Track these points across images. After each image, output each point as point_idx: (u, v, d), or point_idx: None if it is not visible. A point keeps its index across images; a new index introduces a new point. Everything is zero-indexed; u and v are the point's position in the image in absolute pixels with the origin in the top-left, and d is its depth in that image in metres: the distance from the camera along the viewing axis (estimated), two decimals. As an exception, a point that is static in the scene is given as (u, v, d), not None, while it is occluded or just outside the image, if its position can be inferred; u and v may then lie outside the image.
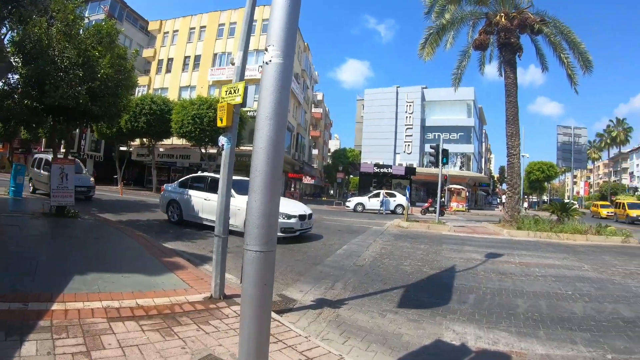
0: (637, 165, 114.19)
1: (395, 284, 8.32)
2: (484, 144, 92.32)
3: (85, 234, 11.37)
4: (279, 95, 2.85)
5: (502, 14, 23.66)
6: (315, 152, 79.00)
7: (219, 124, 6.27)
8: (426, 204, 36.86)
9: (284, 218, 12.71)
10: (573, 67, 23.76)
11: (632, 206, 39.08)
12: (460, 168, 60.19)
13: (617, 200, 45.81)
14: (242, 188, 13.22)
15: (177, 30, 53.41)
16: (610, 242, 18.81)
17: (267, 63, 2.87)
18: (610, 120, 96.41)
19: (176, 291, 6.27)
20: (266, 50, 2.88)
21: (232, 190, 12.95)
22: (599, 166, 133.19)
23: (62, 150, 20.01)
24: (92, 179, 24.81)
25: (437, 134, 55.12)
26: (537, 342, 5.60)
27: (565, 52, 23.80)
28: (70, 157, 15.30)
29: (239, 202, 12.45)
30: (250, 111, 38.00)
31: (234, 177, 12.85)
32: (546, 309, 7.23)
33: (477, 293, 8.04)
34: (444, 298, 7.52)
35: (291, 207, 13.61)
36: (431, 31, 24.31)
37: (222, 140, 6.24)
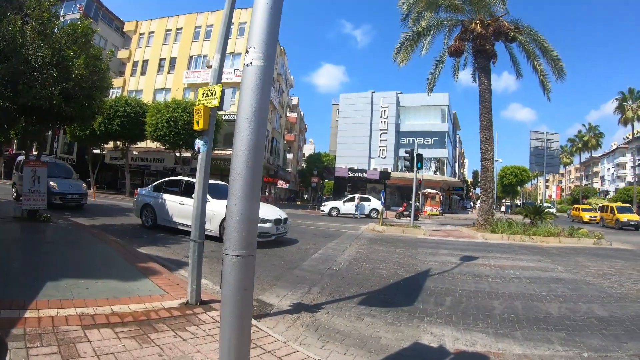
0: (608, 169, 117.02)
1: (372, 288, 8.33)
2: (457, 148, 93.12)
3: (58, 239, 11.11)
4: (259, 98, 2.82)
5: (477, 22, 23.92)
6: (290, 156, 78.88)
7: (195, 127, 6.19)
8: (401, 208, 37.07)
9: (259, 222, 12.56)
10: (546, 75, 24.30)
11: (622, 210, 38.79)
12: (435, 172, 60.62)
13: (604, 204, 45.46)
14: (217, 192, 13.16)
15: (152, 32, 52.89)
16: (582, 244, 19.16)
17: (248, 65, 2.83)
18: (583, 125, 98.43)
19: (152, 297, 6.17)
20: (247, 52, 2.84)
21: (207, 195, 12.90)
22: (570, 170, 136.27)
23: (34, 152, 19.51)
24: (84, 185, 22.98)
25: (411, 138, 55.24)
26: (514, 342, 5.68)
27: (539, 59, 24.31)
28: (55, 160, 14.96)
29: (214, 206, 12.35)
30: (225, 115, 37.81)
31: (209, 181, 12.76)
32: (522, 309, 7.33)
33: (454, 295, 8.09)
34: (421, 301, 7.55)
35: (266, 211, 13.52)
36: (407, 37, 24.45)
37: (199, 143, 6.17)
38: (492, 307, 7.37)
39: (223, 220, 12.29)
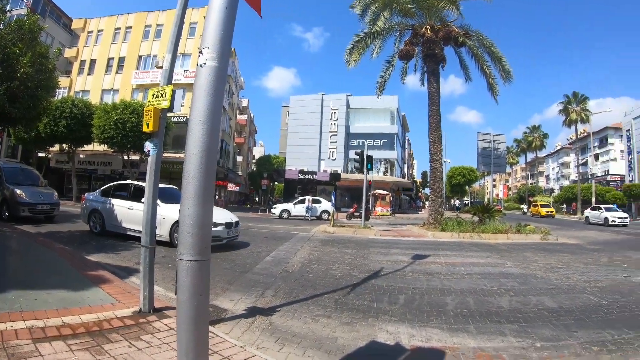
0: (552, 168, 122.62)
1: (325, 289, 8.31)
2: (406, 150, 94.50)
3: (3, 248, 10.72)
4: (213, 100, 2.77)
5: (427, 26, 24.43)
6: (239, 158, 78.16)
7: (144, 128, 6.03)
8: (351, 209, 37.27)
9: None
10: (494, 78, 25.24)
11: (544, 206, 41.19)
12: (384, 173, 61.21)
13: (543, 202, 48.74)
14: (167, 196, 12.93)
15: (101, 30, 51.17)
16: (530, 240, 19.77)
17: (201, 66, 2.79)
18: (527, 127, 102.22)
19: (103, 306, 5.97)
20: (201, 53, 2.80)
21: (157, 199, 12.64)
22: (517, 170, 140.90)
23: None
24: (55, 193, 19.89)
25: (361, 140, 55.73)
26: (469, 336, 5.79)
27: (487, 63, 25.29)
28: (19, 165, 14.23)
29: (164, 210, 12.10)
30: (174, 117, 37.20)
31: (159, 185, 12.48)
32: (474, 304, 7.49)
33: (407, 293, 8.18)
34: (375, 300, 7.59)
35: (218, 214, 13.24)
36: (358, 38, 24.74)
37: (148, 145, 6.00)
38: (445, 303, 7.49)
39: (173, 225, 12.11)
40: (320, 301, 7.41)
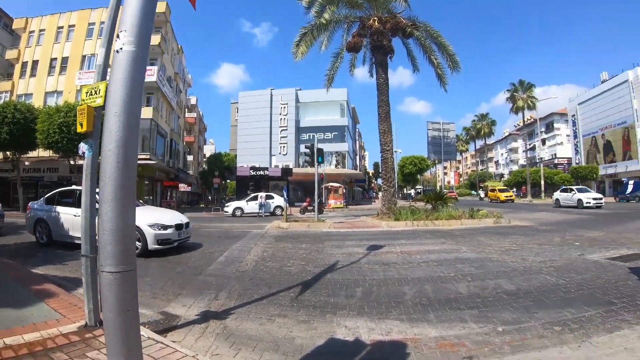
0: (502, 154, 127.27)
1: (280, 287, 8.09)
2: (357, 142, 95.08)
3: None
4: (130, 89, 2.50)
5: (375, 18, 24.39)
6: (190, 158, 77.12)
7: (78, 129, 5.64)
8: (305, 203, 37.09)
9: (159, 229, 11.96)
10: (442, 68, 25.54)
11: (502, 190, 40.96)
12: (336, 166, 61.41)
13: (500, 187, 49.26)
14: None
15: (43, 30, 48.59)
16: (483, 224, 20.09)
17: (117, 52, 2.51)
18: (476, 116, 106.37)
19: (48, 323, 5.58)
20: (117, 37, 2.52)
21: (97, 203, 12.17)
22: (467, 157, 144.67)
23: None
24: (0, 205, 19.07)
25: (311, 134, 55.77)
26: (429, 325, 5.70)
27: (435, 53, 25.50)
28: None
29: (109, 215, 11.69)
30: (116, 115, 36.24)
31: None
32: (432, 292, 7.41)
33: (364, 286, 8.04)
34: (331, 295, 7.42)
35: (167, 217, 12.89)
36: (306, 31, 24.47)
37: (83, 147, 5.62)
38: (403, 293, 7.39)
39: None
40: (276, 300, 7.18)
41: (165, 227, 12.10)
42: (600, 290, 7.32)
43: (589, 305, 6.38)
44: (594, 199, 36.23)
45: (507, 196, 57.14)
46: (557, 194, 41.88)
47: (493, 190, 62.28)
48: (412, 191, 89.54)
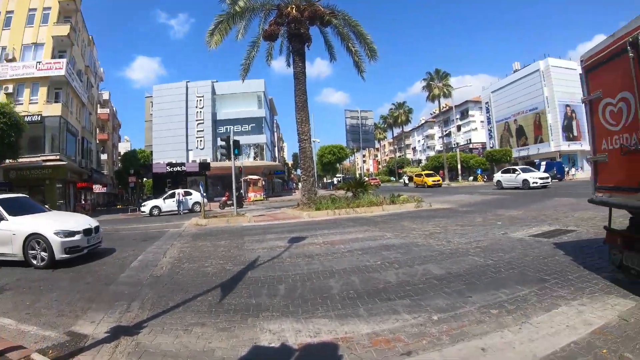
0: (419, 141, 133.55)
1: (198, 291, 7.40)
2: (275, 133, 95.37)
3: None
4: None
5: (293, 6, 24.18)
6: (104, 157, 74.11)
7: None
8: (224, 198, 36.48)
9: (66, 236, 10.74)
10: (360, 56, 25.76)
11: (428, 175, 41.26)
12: (255, 158, 60.97)
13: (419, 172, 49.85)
14: (16, 208, 11.45)
15: None
16: (405, 209, 20.35)
17: None
18: (393, 104, 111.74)
19: None
20: None
21: (3, 212, 11.08)
22: (385, 145, 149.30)
23: None
24: None
25: (229, 126, 55.09)
26: (360, 321, 5.31)
27: (353, 42, 25.63)
28: None
29: (13, 225, 10.63)
30: (28, 115, 33.92)
31: (4, 196, 10.82)
32: (360, 284, 7.06)
33: (287, 282, 7.54)
34: (253, 295, 6.86)
35: (72, 222, 11.70)
36: (221, 19, 23.68)
37: None
38: (330, 287, 6.96)
39: (27, 239, 10.55)
40: (193, 306, 6.51)
41: (72, 234, 10.93)
42: (530, 267, 7.33)
43: (522, 284, 6.36)
44: (541, 178, 35.04)
45: (434, 181, 54.97)
46: (499, 176, 39.95)
47: (419, 176, 60.34)
48: (335, 179, 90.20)
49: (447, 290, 6.28)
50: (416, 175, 62.59)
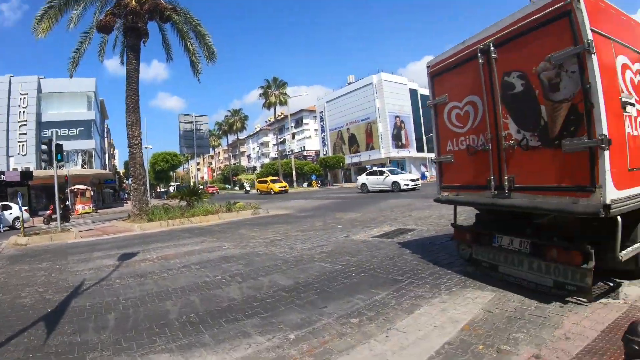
0: (253, 148, 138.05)
1: (11, 331, 5.75)
2: (106, 139, 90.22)
3: None
4: None
5: (133, -3, 22.71)
6: None
7: None
8: (48, 211, 33.54)
9: None
10: (198, 56, 25.99)
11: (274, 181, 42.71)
12: (83, 166, 56.85)
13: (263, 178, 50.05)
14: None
15: None
16: (242, 217, 20.72)
17: None
18: (229, 111, 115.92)
19: None
20: None
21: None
22: (219, 152, 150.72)
23: None
24: None
25: (55, 130, 50.96)
26: (207, 351, 4.56)
27: (192, 41, 25.60)
28: None
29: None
30: None
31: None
32: (201, 304, 6.37)
33: (118, 309, 6.47)
34: (77, 330, 5.60)
35: None
36: (52, 4, 21.54)
37: None
38: (167, 311, 6.13)
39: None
40: (6, 353, 5.03)
41: None
42: (381, 269, 7.38)
43: (377, 288, 6.34)
44: (412, 180, 34.74)
45: (281, 187, 54.90)
46: (363, 178, 38.45)
47: (264, 182, 58.75)
48: (171, 188, 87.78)
49: (299, 303, 5.95)
50: (260, 182, 61.98)
